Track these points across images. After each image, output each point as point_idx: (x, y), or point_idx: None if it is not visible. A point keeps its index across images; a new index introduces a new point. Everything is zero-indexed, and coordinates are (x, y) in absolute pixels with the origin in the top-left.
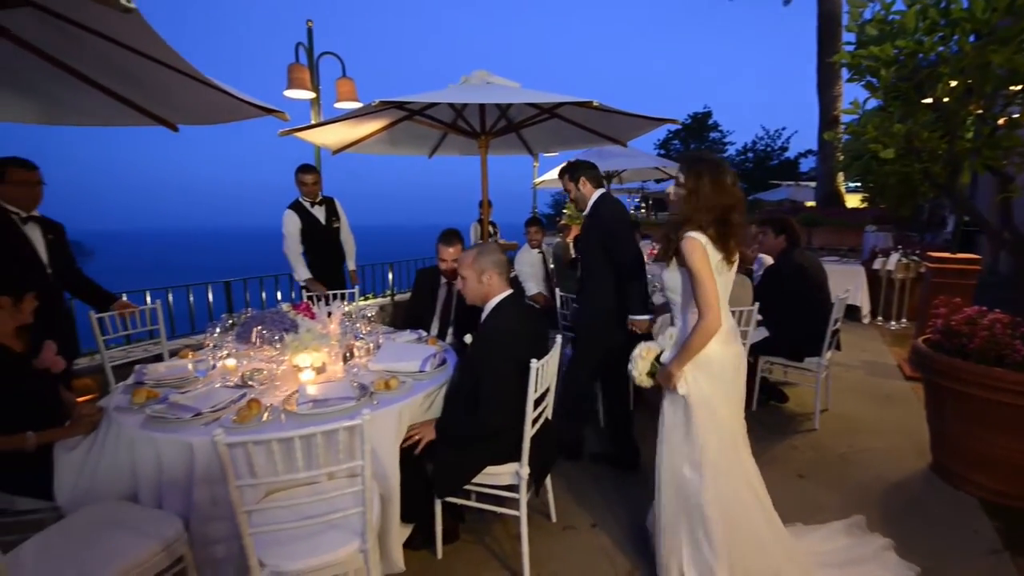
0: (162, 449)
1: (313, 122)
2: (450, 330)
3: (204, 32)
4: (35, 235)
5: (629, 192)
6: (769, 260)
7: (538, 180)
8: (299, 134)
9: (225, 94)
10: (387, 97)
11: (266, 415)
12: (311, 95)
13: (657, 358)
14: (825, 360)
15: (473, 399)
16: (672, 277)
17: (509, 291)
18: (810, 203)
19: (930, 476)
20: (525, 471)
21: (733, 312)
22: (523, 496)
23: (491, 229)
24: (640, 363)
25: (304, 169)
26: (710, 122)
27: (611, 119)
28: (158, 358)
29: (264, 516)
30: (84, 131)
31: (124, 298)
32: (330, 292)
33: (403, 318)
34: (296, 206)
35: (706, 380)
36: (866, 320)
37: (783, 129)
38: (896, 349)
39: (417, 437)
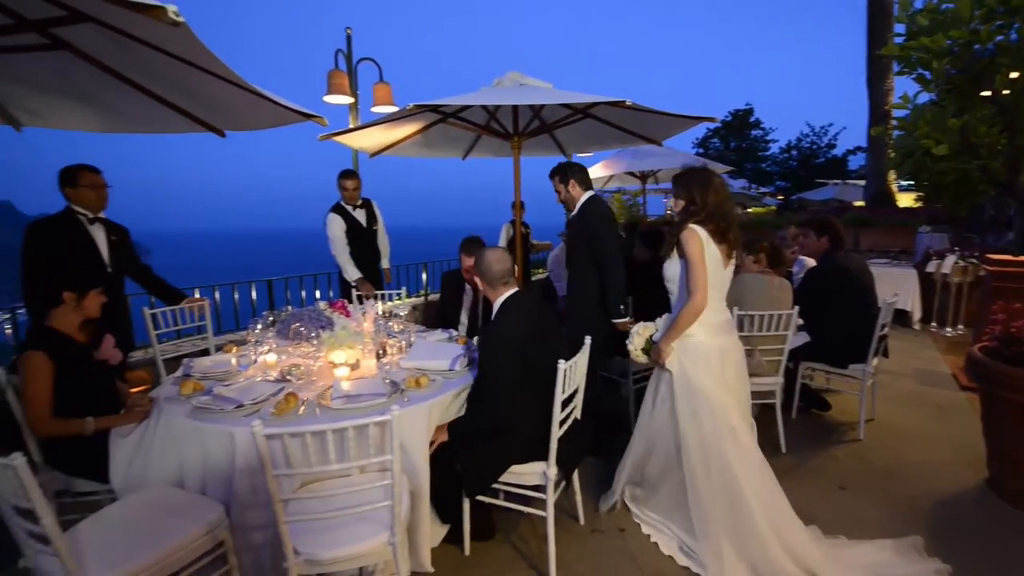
0: (206, 438)
1: (351, 126)
2: (478, 330)
3: (246, 41)
4: (99, 235)
5: (665, 192)
6: (811, 262)
7: None
8: (338, 138)
9: (268, 100)
10: (422, 101)
11: (302, 409)
12: (350, 100)
13: (651, 338)
14: (871, 367)
15: (477, 396)
16: (672, 267)
17: (510, 291)
18: (858, 203)
19: (986, 493)
20: (552, 471)
21: (772, 315)
22: (550, 497)
23: (524, 229)
24: (636, 339)
25: (345, 175)
26: (752, 119)
27: (646, 118)
28: (204, 352)
29: (299, 505)
30: (139, 138)
31: (196, 294)
32: (377, 292)
33: (434, 318)
34: (338, 209)
35: (690, 365)
36: (918, 326)
37: (830, 126)
38: (951, 357)
39: (434, 439)
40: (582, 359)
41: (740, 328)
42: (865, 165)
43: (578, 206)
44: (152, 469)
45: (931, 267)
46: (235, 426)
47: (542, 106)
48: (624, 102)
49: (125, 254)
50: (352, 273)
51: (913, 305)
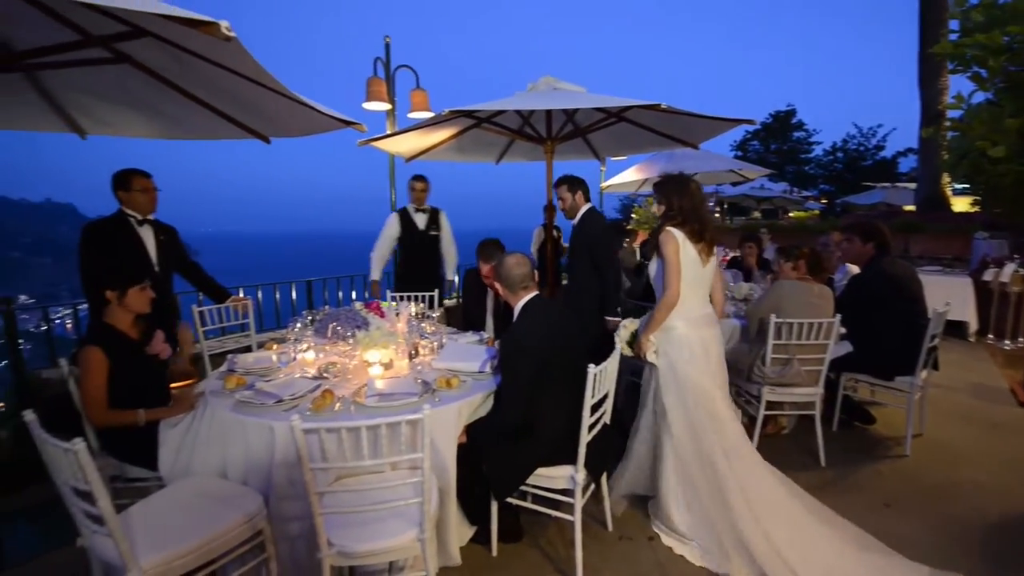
0: (248, 431)
1: (388, 132)
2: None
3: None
4: (148, 236)
5: None
6: (855, 269)
7: (605, 184)
8: (376, 143)
9: (311, 109)
10: (456, 106)
11: (338, 405)
12: (387, 106)
13: (635, 332)
14: (919, 380)
15: (498, 398)
16: (653, 267)
17: (531, 295)
18: (909, 207)
19: None
20: (580, 475)
21: (811, 323)
22: (578, 501)
23: (555, 233)
24: (623, 332)
25: (416, 177)
26: (794, 121)
27: (681, 121)
28: (247, 349)
29: (333, 499)
30: (189, 144)
31: (241, 293)
32: (413, 293)
33: (460, 319)
34: (401, 211)
35: (676, 356)
36: (974, 338)
37: (879, 127)
38: (1009, 371)
39: (460, 440)
40: (612, 364)
41: (778, 336)
42: (916, 168)
43: (580, 215)
44: (197, 458)
45: (988, 276)
46: (275, 420)
47: (576, 110)
48: (659, 105)
49: (174, 253)
50: (374, 274)
51: (969, 315)
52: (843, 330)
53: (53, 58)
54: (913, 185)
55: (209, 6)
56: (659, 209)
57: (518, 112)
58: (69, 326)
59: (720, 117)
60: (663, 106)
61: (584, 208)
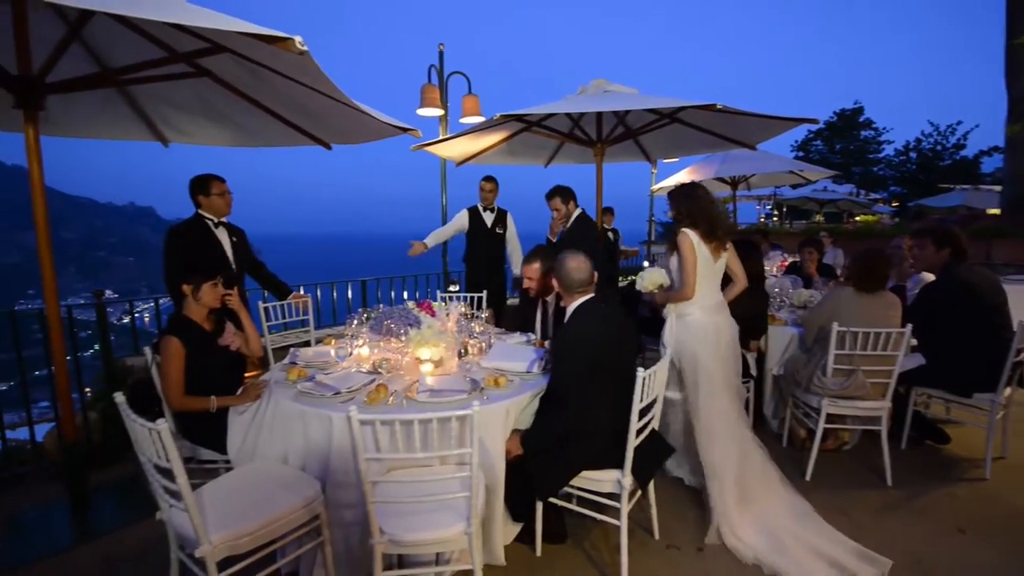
0: (308, 420)
1: (441, 137)
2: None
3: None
4: (224, 237)
5: (759, 199)
6: (930, 277)
7: (656, 187)
8: (429, 148)
9: (370, 117)
10: (507, 111)
11: (391, 399)
12: (440, 112)
13: (661, 284)
14: (1002, 398)
15: (548, 400)
16: (673, 261)
17: (586, 297)
18: (992, 210)
19: None
20: (627, 480)
21: (878, 333)
22: (624, 506)
23: (611, 236)
24: (650, 274)
25: (486, 178)
26: (862, 119)
27: (738, 121)
28: (307, 344)
29: (385, 489)
30: (254, 151)
31: (301, 291)
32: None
33: (510, 321)
34: (472, 209)
35: (689, 338)
36: None
37: (958, 124)
38: None
39: (508, 449)
40: (662, 368)
41: (840, 345)
42: (1002, 168)
43: (572, 219)
44: (262, 444)
45: None
46: (333, 411)
47: (627, 112)
48: (714, 105)
49: (244, 253)
50: (429, 240)
51: None
52: (914, 341)
53: (143, 73)
54: (998, 187)
55: (271, 20)
56: (672, 215)
57: (568, 115)
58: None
59: (779, 116)
60: (719, 106)
61: (577, 212)
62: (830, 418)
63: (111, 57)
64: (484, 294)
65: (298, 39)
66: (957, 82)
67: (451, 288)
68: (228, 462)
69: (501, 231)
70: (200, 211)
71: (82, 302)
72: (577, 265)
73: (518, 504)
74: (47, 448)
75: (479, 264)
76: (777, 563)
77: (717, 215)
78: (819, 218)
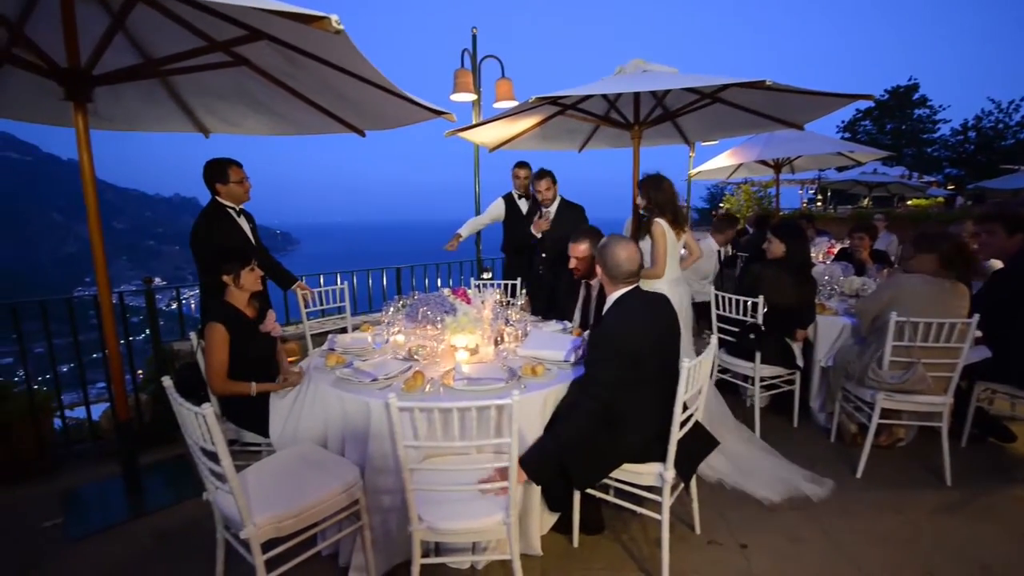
0: (347, 406)
1: (474, 122)
2: (591, 324)
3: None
4: (244, 224)
5: (801, 183)
6: (998, 265)
7: (694, 171)
8: (461, 134)
9: (405, 99)
10: (541, 93)
11: (428, 387)
12: (473, 97)
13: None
14: None
15: (580, 392)
16: (645, 244)
17: (629, 287)
18: None
19: None
20: (670, 474)
21: (941, 323)
22: (666, 500)
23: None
24: None
25: (519, 164)
26: (916, 96)
27: (785, 99)
28: (343, 330)
29: (423, 476)
30: (288, 139)
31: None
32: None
33: (544, 307)
34: (507, 196)
35: None
36: None
37: (1023, 100)
38: None
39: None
40: (707, 359)
41: (899, 336)
42: None
43: (557, 204)
44: (302, 428)
45: None
46: (371, 397)
47: (666, 93)
48: (763, 82)
49: (257, 240)
50: (463, 231)
51: None
52: (978, 333)
53: (183, 63)
54: None
55: (303, 6)
56: (641, 203)
57: (605, 97)
58: (193, 305)
59: (831, 93)
60: (768, 82)
61: (559, 197)
62: (885, 413)
63: (153, 48)
64: (519, 281)
65: (334, 18)
66: (1021, 55)
67: (484, 276)
68: (269, 446)
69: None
70: (218, 198)
71: (133, 289)
72: (628, 255)
73: (555, 494)
74: (102, 427)
75: (513, 253)
76: (740, 483)
77: (679, 205)
78: (867, 202)
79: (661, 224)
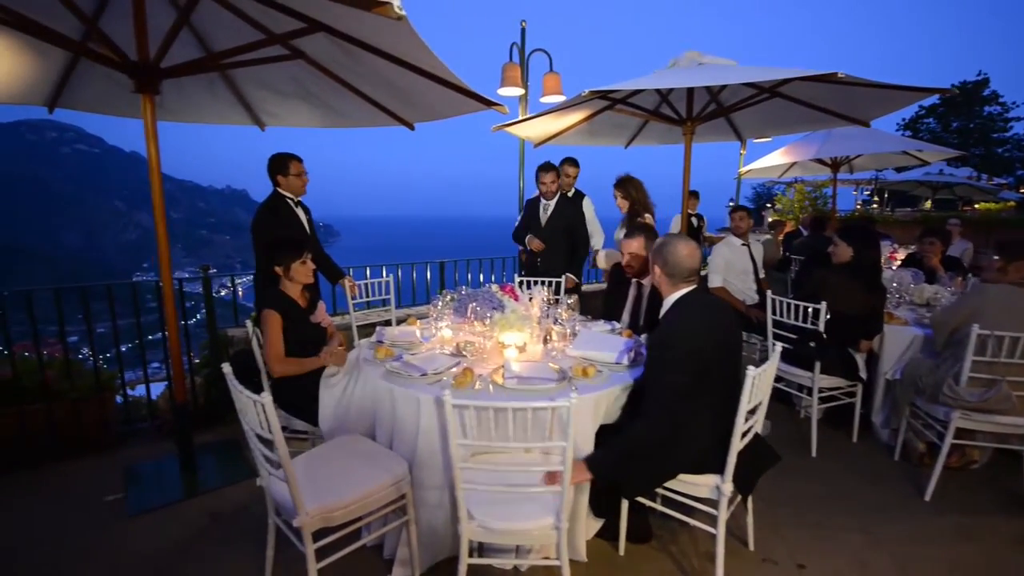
0: (396, 399)
1: (521, 117)
2: (640, 325)
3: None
4: (302, 215)
5: (856, 183)
6: None
7: (745, 169)
8: (509, 128)
9: (461, 90)
10: (592, 87)
11: (477, 384)
12: (521, 91)
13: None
14: None
15: (641, 400)
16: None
17: (690, 288)
18: None
19: None
20: (728, 487)
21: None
22: (722, 514)
23: (695, 222)
24: (608, 254)
25: (568, 161)
26: (985, 92)
27: (852, 94)
28: (387, 323)
29: (472, 475)
30: (332, 133)
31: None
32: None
33: (592, 308)
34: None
35: None
36: None
37: None
38: None
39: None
40: (771, 368)
41: (981, 351)
42: None
43: (557, 198)
44: (351, 418)
45: None
46: (420, 392)
47: (722, 87)
48: (835, 74)
49: (312, 231)
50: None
51: None
52: None
53: (242, 57)
54: None
55: None
56: (624, 205)
57: (657, 91)
58: (241, 292)
59: (906, 86)
60: (840, 75)
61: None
62: (959, 433)
63: (214, 41)
64: (563, 279)
65: (396, 3)
66: None
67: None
68: (318, 435)
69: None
70: (279, 190)
71: (187, 276)
72: (690, 251)
73: (602, 500)
74: (160, 407)
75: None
76: None
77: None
78: (928, 204)
79: (649, 220)
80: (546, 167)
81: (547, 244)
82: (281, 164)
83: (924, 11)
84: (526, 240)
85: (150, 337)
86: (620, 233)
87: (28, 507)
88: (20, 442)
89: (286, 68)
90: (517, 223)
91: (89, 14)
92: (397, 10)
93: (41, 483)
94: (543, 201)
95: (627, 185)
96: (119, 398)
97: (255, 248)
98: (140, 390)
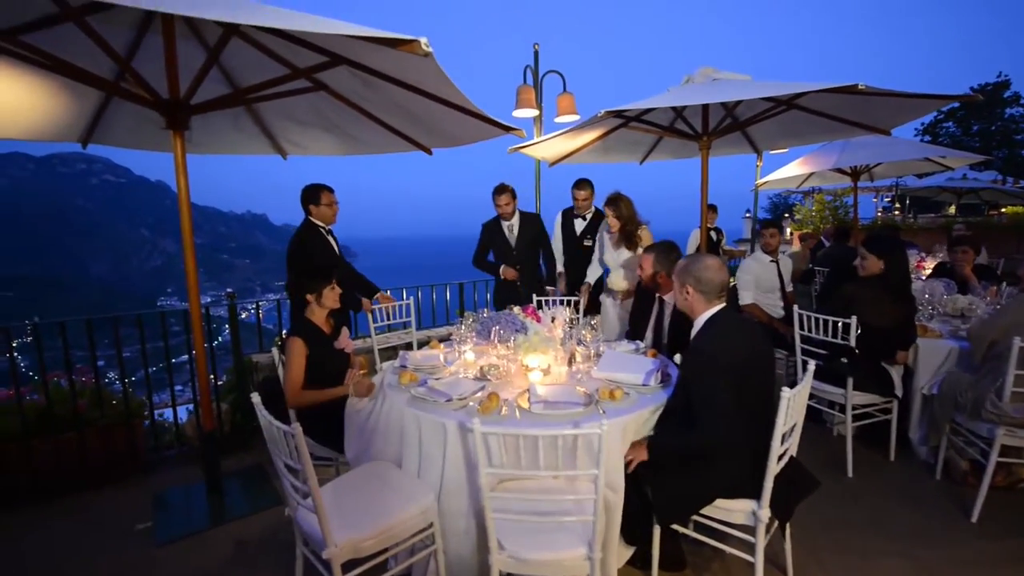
0: (423, 426)
1: (536, 138)
2: (663, 344)
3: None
4: (332, 242)
5: (876, 191)
6: None
7: (761, 181)
8: (525, 150)
9: (481, 118)
10: (603, 106)
11: (504, 409)
12: (535, 112)
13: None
14: None
15: (688, 418)
16: (621, 254)
17: (718, 307)
18: None
19: None
20: (765, 513)
21: None
22: (760, 541)
23: (714, 236)
24: (619, 277)
25: (578, 185)
26: (1007, 94)
27: (871, 103)
28: (408, 345)
29: (501, 503)
30: (351, 157)
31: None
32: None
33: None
34: (566, 211)
35: None
36: None
37: None
38: None
39: (629, 457)
40: (805, 388)
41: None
42: None
43: (517, 217)
44: (377, 445)
45: None
46: (446, 418)
47: (737, 102)
48: (856, 86)
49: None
50: (559, 266)
51: None
52: None
53: (268, 91)
54: None
55: (364, 19)
56: (615, 224)
57: (672, 107)
58: (262, 316)
59: (928, 95)
60: (861, 86)
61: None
62: (1004, 450)
63: (239, 76)
64: (581, 295)
65: (423, 40)
66: None
67: (547, 288)
68: (342, 461)
69: (589, 243)
70: (311, 218)
71: (209, 300)
72: (718, 265)
73: (634, 527)
74: (187, 433)
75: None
76: None
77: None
78: (952, 209)
79: (647, 230)
80: (502, 188)
81: (521, 264)
82: (313, 195)
83: (942, 13)
84: (500, 271)
85: (174, 360)
86: (614, 254)
87: (62, 535)
88: (55, 471)
89: (308, 99)
90: (476, 249)
91: (123, 55)
92: (424, 47)
93: (74, 510)
94: (504, 223)
95: (619, 203)
96: (147, 422)
97: (288, 273)
98: (167, 413)
